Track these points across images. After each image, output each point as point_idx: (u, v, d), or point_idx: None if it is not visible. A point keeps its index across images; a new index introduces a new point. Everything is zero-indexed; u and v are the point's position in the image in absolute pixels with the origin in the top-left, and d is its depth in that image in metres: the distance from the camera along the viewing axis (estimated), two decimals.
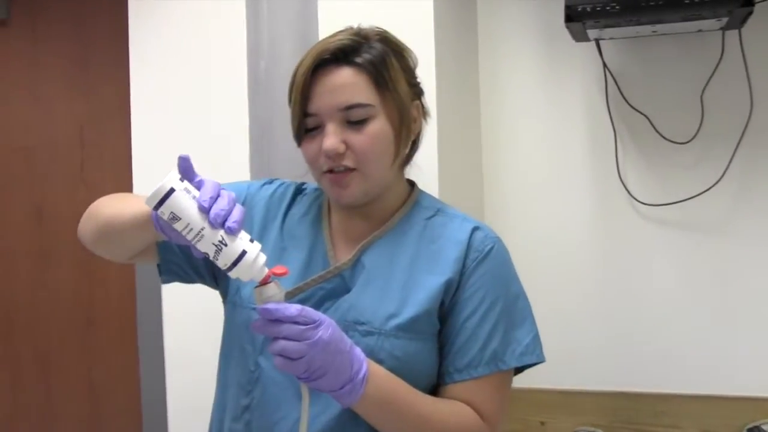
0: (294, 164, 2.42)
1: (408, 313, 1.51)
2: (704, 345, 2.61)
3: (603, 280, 2.71)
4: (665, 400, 2.61)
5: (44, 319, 3.47)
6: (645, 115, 2.63)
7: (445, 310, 1.55)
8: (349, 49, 1.51)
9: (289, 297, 1.52)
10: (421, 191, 1.72)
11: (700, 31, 2.47)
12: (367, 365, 1.40)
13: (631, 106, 2.64)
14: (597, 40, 2.56)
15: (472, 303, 1.55)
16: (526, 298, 1.66)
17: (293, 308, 1.31)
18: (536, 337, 1.64)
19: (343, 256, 1.60)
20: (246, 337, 1.59)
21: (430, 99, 2.28)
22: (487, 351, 1.54)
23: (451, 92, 2.46)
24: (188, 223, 1.29)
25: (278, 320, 1.30)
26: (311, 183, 1.73)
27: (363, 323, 1.50)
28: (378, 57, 1.52)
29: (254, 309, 1.48)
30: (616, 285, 2.69)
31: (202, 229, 1.29)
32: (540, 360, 1.65)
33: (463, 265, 1.56)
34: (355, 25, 1.61)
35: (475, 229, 1.61)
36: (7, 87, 3.49)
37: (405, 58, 1.60)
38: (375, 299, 1.53)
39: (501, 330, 1.56)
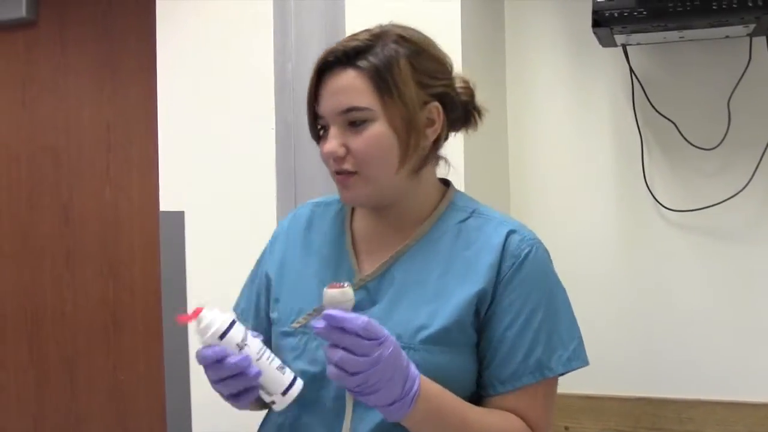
0: (320, 165, 2.43)
1: (438, 324, 1.47)
2: (729, 351, 2.59)
3: (628, 285, 2.70)
4: (690, 406, 2.60)
5: (70, 320, 3.50)
6: (671, 121, 2.62)
7: (482, 321, 1.51)
8: (353, 52, 1.49)
9: (314, 314, 1.51)
10: (457, 191, 1.68)
11: (727, 37, 2.46)
12: (419, 383, 1.36)
13: (658, 112, 2.63)
14: (624, 46, 2.55)
15: (512, 312, 1.50)
16: (567, 301, 1.61)
17: (360, 320, 1.27)
18: (581, 341, 1.60)
19: (369, 266, 1.57)
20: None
21: None
22: (530, 360, 1.50)
23: (477, 94, 2.46)
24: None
25: (342, 329, 1.26)
26: (308, 203, 1.76)
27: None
28: (384, 60, 1.48)
29: (293, 326, 1.54)
30: (641, 290, 2.68)
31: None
32: (586, 363, 1.61)
33: (498, 273, 1.50)
34: (383, 23, 1.60)
35: (511, 232, 1.54)
36: (35, 88, 3.52)
37: (424, 59, 1.55)
38: (406, 312, 1.50)
39: (544, 337, 1.51)
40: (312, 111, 1.53)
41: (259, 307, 1.72)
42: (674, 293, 2.65)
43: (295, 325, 1.55)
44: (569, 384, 2.70)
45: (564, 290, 1.61)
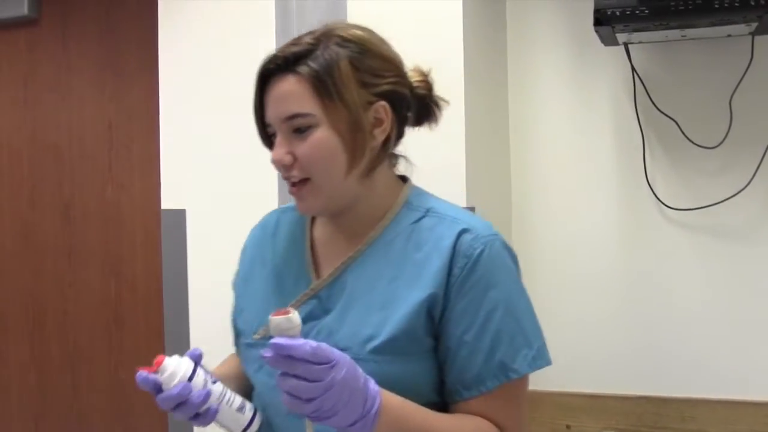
0: None
1: (386, 334, 1.42)
2: (731, 349, 2.59)
3: (629, 283, 2.70)
4: (691, 405, 2.60)
5: (72, 317, 3.50)
6: (673, 120, 2.62)
7: (438, 326, 1.45)
8: (293, 57, 1.45)
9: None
10: (414, 189, 1.61)
11: (729, 36, 2.46)
12: (380, 398, 1.31)
13: (660, 111, 2.63)
14: (626, 44, 2.55)
15: (469, 314, 1.44)
16: (528, 298, 1.54)
17: (308, 345, 1.22)
18: (544, 339, 1.52)
19: (326, 272, 1.53)
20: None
21: (458, 100, 2.30)
22: (493, 362, 1.43)
23: (479, 94, 2.47)
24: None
25: (291, 357, 1.22)
26: (277, 209, 1.75)
27: (343, 349, 1.36)
28: (324, 64, 1.44)
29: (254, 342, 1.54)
30: (643, 288, 2.68)
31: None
32: (549, 362, 1.52)
33: (450, 275, 1.44)
34: (326, 24, 1.54)
35: (463, 231, 1.47)
36: (37, 86, 3.53)
37: (368, 58, 1.50)
38: (355, 322, 1.45)
39: (506, 338, 1.44)
40: (260, 119, 1.52)
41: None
42: (676, 292, 2.65)
43: (256, 336, 1.54)
44: (571, 383, 2.73)
45: (524, 288, 1.55)
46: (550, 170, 2.78)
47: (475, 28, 2.44)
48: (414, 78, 1.59)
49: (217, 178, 2.67)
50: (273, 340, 1.23)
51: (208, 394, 1.39)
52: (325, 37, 1.48)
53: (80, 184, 3.46)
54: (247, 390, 1.61)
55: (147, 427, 3.35)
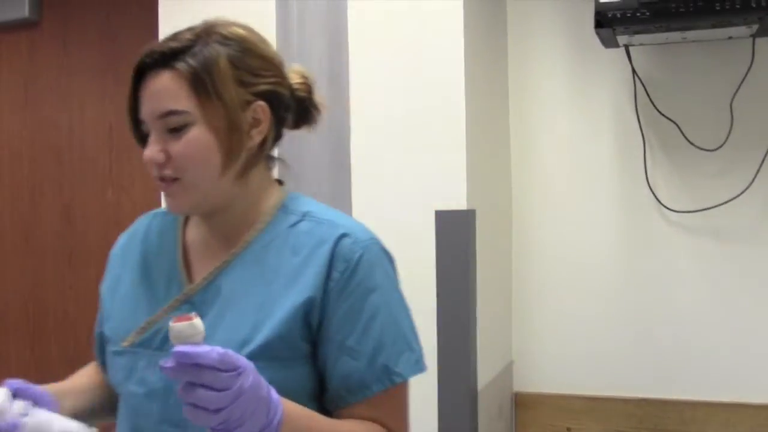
0: (322, 166, 2.43)
1: (261, 338, 1.37)
2: (732, 352, 2.59)
3: (630, 285, 2.70)
4: (692, 407, 2.60)
5: (72, 319, 3.50)
6: (674, 122, 2.62)
7: (316, 331, 1.41)
8: (170, 53, 1.40)
9: (142, 331, 1.43)
10: (292, 193, 1.56)
11: (730, 38, 2.46)
12: (282, 407, 1.25)
13: (660, 113, 2.63)
14: (626, 46, 2.55)
15: (350, 320, 1.40)
16: (405, 302, 1.51)
17: (215, 352, 1.14)
18: (421, 344, 1.50)
19: (199, 276, 1.47)
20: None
21: (458, 102, 2.30)
22: (376, 367, 1.40)
23: (480, 95, 2.46)
24: None
25: (197, 365, 1.13)
26: (146, 215, 1.67)
27: None
28: (202, 61, 1.39)
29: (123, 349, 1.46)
30: (644, 290, 2.69)
31: None
32: (426, 368, 1.50)
33: (329, 279, 1.40)
34: (207, 20, 1.51)
35: (343, 236, 1.43)
36: (37, 88, 3.53)
37: (248, 57, 1.45)
38: (230, 327, 1.39)
39: (388, 342, 1.41)
40: (133, 115, 1.44)
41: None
42: (676, 294, 2.65)
43: (125, 344, 1.45)
44: (572, 385, 2.73)
45: (401, 292, 1.51)
46: (551, 172, 2.79)
47: (476, 30, 2.44)
48: (294, 80, 1.53)
49: None
50: (177, 348, 1.13)
51: (15, 426, 1.32)
52: (205, 33, 1.44)
53: (81, 186, 3.46)
54: (110, 400, 1.58)
55: None
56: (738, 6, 2.19)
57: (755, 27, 2.32)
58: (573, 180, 2.77)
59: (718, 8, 2.20)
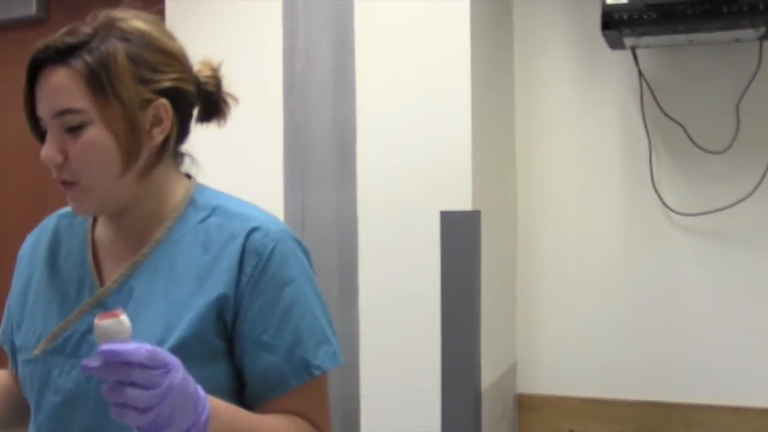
0: (328, 166, 2.43)
1: (175, 338, 1.33)
2: (737, 356, 2.59)
3: (635, 288, 2.70)
4: (696, 411, 2.59)
5: None
6: (680, 124, 2.62)
7: (231, 328, 1.38)
8: (65, 48, 1.33)
9: (54, 337, 1.38)
10: (199, 187, 1.51)
11: (737, 40, 2.46)
12: (209, 403, 1.22)
13: (666, 115, 2.62)
14: (633, 48, 2.55)
15: (265, 314, 1.37)
16: (320, 293, 1.46)
17: (144, 349, 1.10)
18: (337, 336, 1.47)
19: (110, 278, 1.42)
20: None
21: (464, 103, 2.30)
22: (295, 360, 1.37)
23: (485, 97, 2.46)
24: None
25: (126, 363, 1.09)
26: (52, 217, 1.62)
27: None
28: (98, 57, 1.33)
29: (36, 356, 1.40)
30: (649, 292, 2.68)
31: None
32: (343, 362, 1.46)
33: (241, 274, 1.37)
34: (108, 14, 1.40)
35: (253, 230, 1.40)
36: None
37: (148, 53, 1.38)
38: (144, 328, 1.32)
39: (305, 334, 1.39)
40: (27, 113, 1.39)
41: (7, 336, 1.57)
42: (681, 297, 2.65)
43: (36, 352, 1.39)
44: (575, 387, 2.72)
45: (317, 283, 1.46)
46: (556, 174, 2.78)
47: (482, 31, 2.44)
48: (203, 73, 1.50)
49: (223, 179, 2.65)
50: (104, 346, 1.09)
51: None
52: (103, 28, 1.35)
53: None
54: (21, 411, 1.53)
55: None
56: (745, 9, 2.19)
57: (762, 30, 2.32)
58: (578, 182, 2.76)
59: (725, 11, 2.20)
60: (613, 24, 2.31)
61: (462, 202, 2.30)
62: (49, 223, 1.58)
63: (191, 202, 1.45)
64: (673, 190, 2.66)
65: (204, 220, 1.43)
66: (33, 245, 1.58)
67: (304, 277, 1.42)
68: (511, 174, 2.80)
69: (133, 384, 1.10)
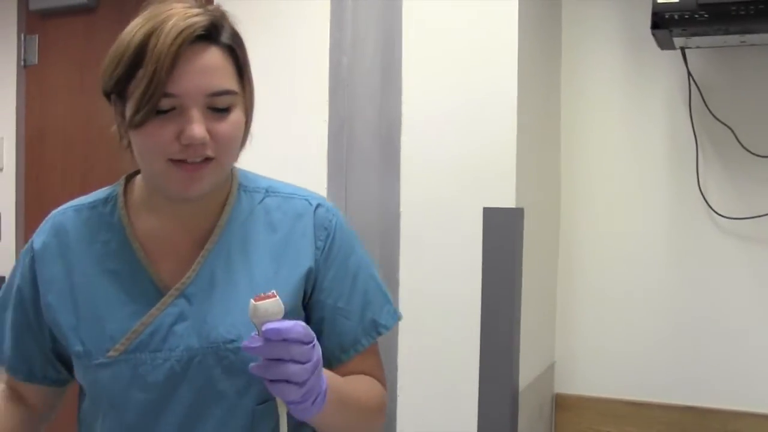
0: (372, 160, 2.43)
1: None
2: None
3: (678, 291, 2.67)
4: (736, 418, 2.57)
5: None
6: (729, 127, 2.58)
7: (309, 298, 1.45)
8: (213, 28, 1.31)
9: (134, 336, 1.36)
10: (240, 171, 1.53)
11: None
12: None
13: (715, 117, 2.59)
14: (683, 48, 2.52)
15: (338, 283, 1.46)
16: (371, 258, 1.56)
17: (299, 326, 1.17)
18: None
19: (169, 270, 1.41)
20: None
21: (510, 101, 2.29)
22: (365, 322, 1.48)
23: (532, 93, 2.45)
24: None
25: (286, 340, 1.15)
26: (64, 209, 1.53)
27: (233, 340, 1.35)
28: (237, 40, 1.36)
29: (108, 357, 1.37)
30: (692, 296, 2.65)
31: None
32: (401, 317, 1.58)
33: (316, 248, 1.45)
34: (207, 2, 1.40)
35: (318, 206, 1.49)
36: (92, 73, 3.53)
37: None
38: (237, 311, 1.36)
39: (371, 298, 1.49)
40: (161, 88, 1.27)
41: (20, 334, 1.51)
42: (725, 301, 2.62)
43: (113, 353, 1.36)
44: (614, 389, 2.71)
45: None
46: (601, 173, 2.76)
47: (530, 28, 2.42)
48: None
49: (267, 172, 2.65)
50: (270, 325, 1.15)
51: None
52: (222, 14, 1.36)
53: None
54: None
55: None
56: None
57: None
58: (623, 182, 2.74)
59: None
60: (663, 24, 2.28)
61: (505, 199, 2.29)
62: (63, 219, 1.50)
63: (240, 186, 1.49)
64: (719, 194, 2.63)
65: (261, 201, 1.48)
66: (56, 248, 1.47)
67: (359, 245, 1.53)
68: (555, 172, 2.79)
69: (292, 360, 1.16)
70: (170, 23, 1.28)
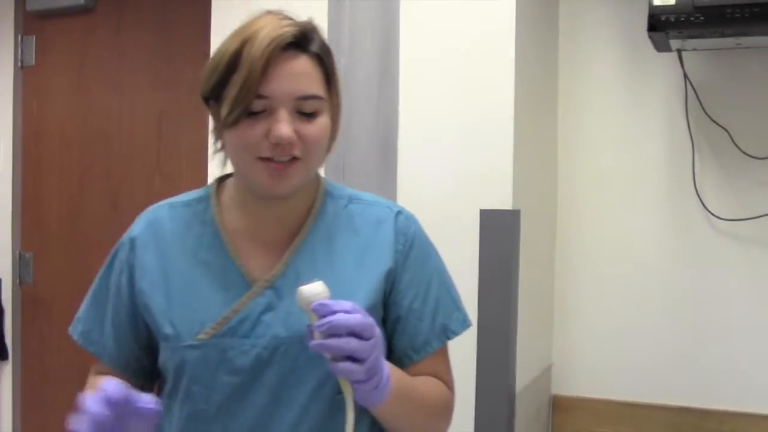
0: (370, 161, 2.43)
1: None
2: None
3: (674, 292, 2.68)
4: (732, 418, 2.57)
5: None
6: (725, 129, 2.59)
7: (388, 298, 1.55)
8: (303, 37, 1.43)
9: (225, 321, 1.46)
10: (327, 179, 1.63)
11: None
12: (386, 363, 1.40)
13: (711, 119, 2.60)
14: (679, 51, 2.53)
15: (414, 286, 1.55)
16: (445, 266, 1.66)
17: (347, 303, 1.29)
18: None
19: (258, 265, 1.51)
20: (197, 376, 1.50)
21: (507, 102, 2.29)
22: (436, 326, 1.56)
23: (529, 95, 2.45)
24: None
25: (347, 312, 1.27)
26: (159, 206, 1.62)
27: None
28: (325, 49, 1.47)
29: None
30: (688, 297, 2.67)
31: None
32: (471, 324, 1.66)
33: (396, 251, 1.55)
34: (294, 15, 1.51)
35: (398, 213, 1.59)
36: (89, 74, 3.56)
37: None
38: None
39: (443, 303, 1.58)
40: (255, 90, 1.38)
41: (121, 325, 1.60)
42: (721, 303, 2.63)
43: (203, 337, 1.46)
44: (611, 390, 2.71)
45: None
46: (597, 175, 2.77)
47: (528, 29, 2.43)
48: None
49: None
50: (338, 304, 1.28)
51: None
52: (307, 24, 1.47)
53: (128, 174, 3.49)
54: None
55: None
56: None
57: None
58: (619, 184, 2.75)
59: None
60: (659, 26, 2.29)
61: (502, 200, 2.30)
62: (160, 214, 1.61)
63: (326, 193, 1.59)
64: (715, 195, 2.64)
65: (345, 207, 1.58)
66: (151, 239, 1.58)
67: (435, 252, 1.63)
68: (552, 174, 2.79)
69: (353, 334, 1.27)
70: (263, 32, 1.40)
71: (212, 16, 2.74)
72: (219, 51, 1.47)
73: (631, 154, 2.73)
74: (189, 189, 3.30)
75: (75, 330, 1.75)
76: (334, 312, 1.26)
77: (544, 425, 2.75)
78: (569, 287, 2.81)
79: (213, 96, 1.46)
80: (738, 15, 2.20)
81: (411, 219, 1.60)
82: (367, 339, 1.28)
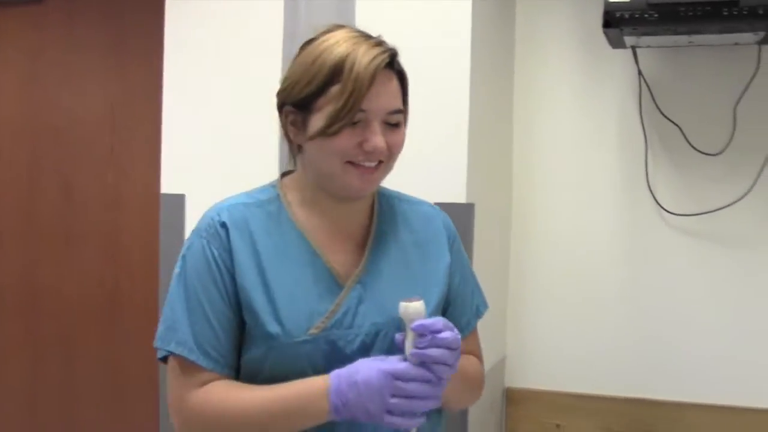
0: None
1: (434, 302, 1.66)
2: (728, 356, 2.61)
3: (628, 286, 2.71)
4: (683, 409, 2.61)
5: (68, 299, 3.50)
6: (677, 125, 2.62)
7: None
8: (393, 58, 1.59)
9: (332, 314, 1.57)
10: None
11: (736, 44, 2.46)
12: None
13: (664, 116, 2.63)
14: (633, 48, 2.55)
15: (457, 272, 1.75)
16: None
17: (440, 321, 1.45)
18: None
19: (339, 262, 1.62)
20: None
21: (462, 98, 2.30)
22: (473, 307, 1.79)
23: (484, 92, 2.46)
24: None
25: (439, 330, 1.42)
26: (232, 204, 1.63)
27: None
28: (403, 69, 1.63)
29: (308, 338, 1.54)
30: (641, 291, 2.70)
31: None
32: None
33: (449, 246, 1.74)
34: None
35: (439, 210, 1.80)
36: (40, 66, 3.52)
37: None
38: (404, 294, 1.50)
39: (475, 288, 1.82)
40: (359, 104, 1.50)
41: (229, 326, 1.58)
42: (674, 296, 2.66)
43: (314, 331, 1.54)
44: (564, 382, 2.74)
45: None
46: (552, 170, 2.79)
47: (483, 26, 2.44)
48: None
49: (218, 162, 2.65)
50: (433, 324, 1.43)
51: None
52: (392, 45, 1.60)
53: (80, 166, 3.45)
54: None
55: (141, 410, 3.36)
56: (745, 12, 2.20)
57: (762, 34, 2.32)
58: (573, 178, 2.77)
59: (725, 14, 2.20)
60: (614, 22, 2.31)
61: (456, 194, 2.31)
62: (238, 213, 1.63)
63: (378, 192, 1.74)
64: (667, 191, 2.66)
65: (396, 205, 1.75)
66: (239, 238, 1.60)
67: (461, 243, 1.82)
68: (507, 168, 2.80)
69: (447, 347, 1.43)
70: (362, 49, 1.52)
71: (166, 6, 2.71)
72: (310, 62, 1.55)
73: (585, 149, 2.76)
74: (143, 182, 3.27)
75: (184, 348, 1.58)
76: (432, 333, 1.42)
77: (498, 417, 2.77)
78: (523, 280, 2.82)
79: (301, 105, 1.56)
80: (690, 13, 2.22)
81: (448, 217, 1.80)
82: (455, 349, 1.45)
